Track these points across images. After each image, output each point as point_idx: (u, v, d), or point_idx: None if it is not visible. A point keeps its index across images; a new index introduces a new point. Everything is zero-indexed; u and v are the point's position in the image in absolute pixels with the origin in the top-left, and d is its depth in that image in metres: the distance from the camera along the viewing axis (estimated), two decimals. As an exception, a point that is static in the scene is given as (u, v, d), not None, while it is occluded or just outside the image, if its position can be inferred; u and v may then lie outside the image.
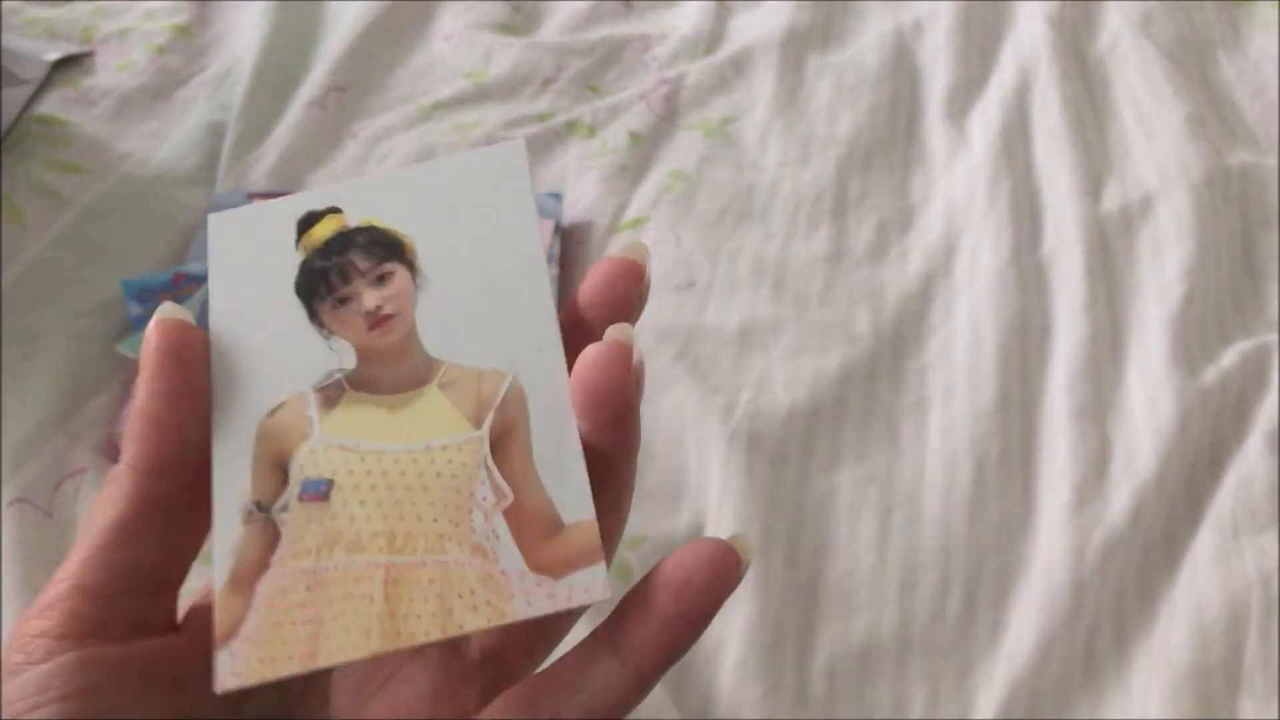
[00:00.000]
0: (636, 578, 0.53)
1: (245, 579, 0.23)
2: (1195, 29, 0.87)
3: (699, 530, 0.55)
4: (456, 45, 0.87)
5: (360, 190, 0.27)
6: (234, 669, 0.22)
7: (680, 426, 0.60)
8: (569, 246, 0.71)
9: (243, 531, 0.23)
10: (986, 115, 0.79)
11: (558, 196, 0.73)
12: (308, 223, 0.27)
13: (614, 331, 0.24)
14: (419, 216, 0.26)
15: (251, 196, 0.72)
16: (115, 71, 0.85)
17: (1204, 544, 0.54)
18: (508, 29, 0.89)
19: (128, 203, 0.73)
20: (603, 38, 0.87)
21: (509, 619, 0.22)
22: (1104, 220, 0.71)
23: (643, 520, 0.56)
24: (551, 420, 0.24)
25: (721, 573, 0.22)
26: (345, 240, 0.26)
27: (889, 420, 0.61)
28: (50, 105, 0.80)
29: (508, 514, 0.23)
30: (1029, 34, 0.85)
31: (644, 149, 0.78)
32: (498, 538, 0.23)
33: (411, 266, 0.26)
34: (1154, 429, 0.58)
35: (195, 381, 0.24)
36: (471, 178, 0.27)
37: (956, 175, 0.75)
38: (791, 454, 0.59)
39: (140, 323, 0.63)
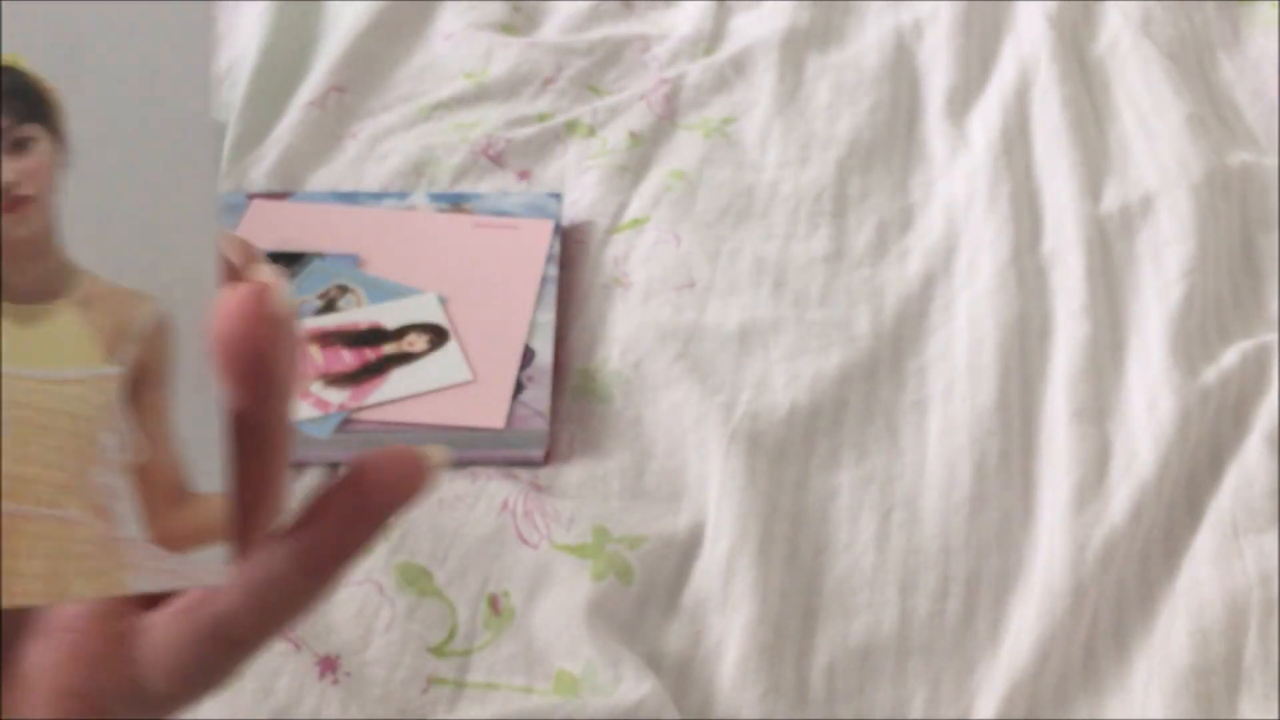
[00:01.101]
0: (637, 578, 0.53)
1: None
2: (1195, 29, 0.87)
3: (699, 530, 0.55)
4: (456, 45, 0.87)
5: (8, 12, 0.20)
6: None
7: (680, 426, 0.60)
8: (569, 246, 0.71)
9: None
10: (986, 115, 0.79)
11: (558, 196, 0.73)
12: None
13: (255, 273, 0.21)
14: (70, 61, 0.20)
15: (251, 197, 0.72)
16: (115, 71, 0.85)
17: (1204, 544, 0.54)
18: (508, 29, 0.89)
19: (128, 203, 0.73)
20: (603, 38, 0.87)
21: (123, 591, 0.20)
22: (1104, 220, 0.71)
23: (642, 520, 0.56)
24: (194, 365, 0.20)
25: (412, 477, 0.21)
26: None
27: (889, 420, 0.61)
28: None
29: (135, 471, 0.20)
30: (1029, 34, 0.85)
31: (644, 149, 0.78)
32: (120, 498, 0.20)
33: (57, 134, 0.20)
34: (1154, 429, 0.58)
35: None
36: (142, 25, 0.21)
37: (956, 175, 0.75)
38: (791, 454, 0.59)
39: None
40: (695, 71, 0.84)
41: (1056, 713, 0.50)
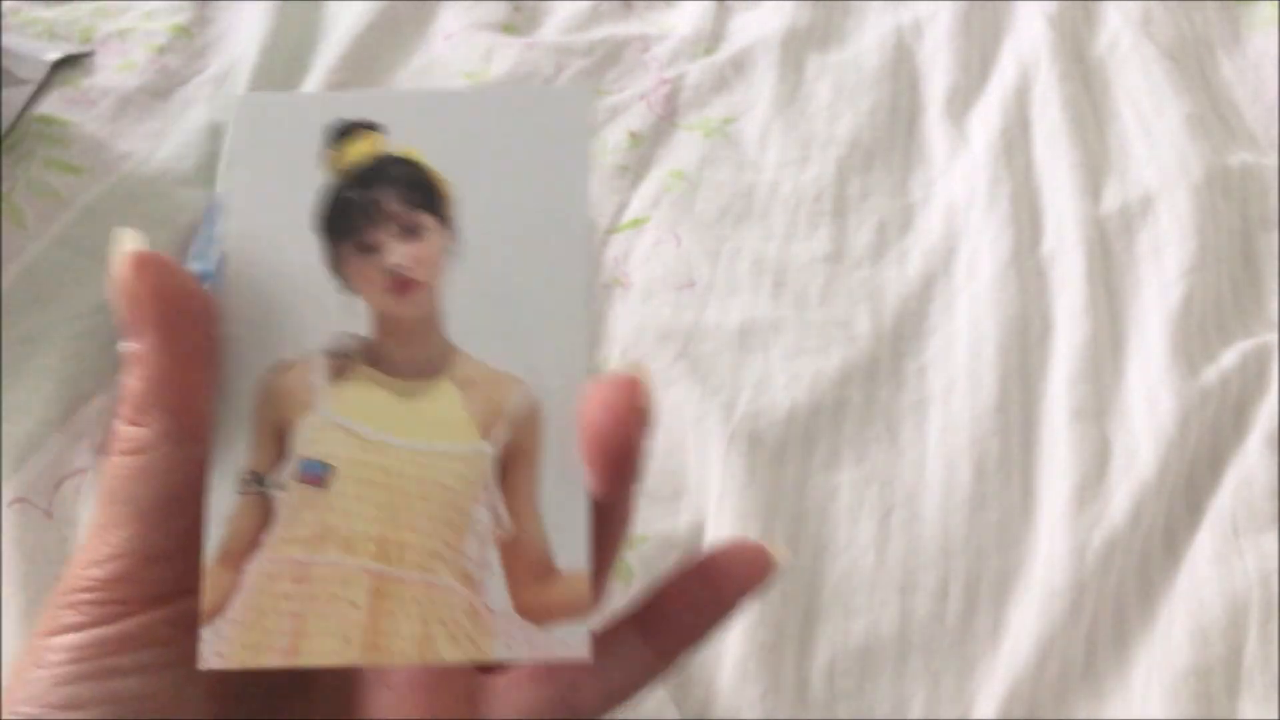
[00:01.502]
0: (636, 578, 0.53)
1: (235, 555, 0.22)
2: (1195, 29, 0.87)
3: (699, 530, 0.55)
4: (456, 45, 0.87)
5: (405, 105, 0.22)
6: (218, 649, 0.22)
7: (680, 426, 0.60)
8: (569, 246, 0.70)
9: (238, 502, 0.22)
10: (986, 115, 0.79)
11: (558, 196, 0.73)
12: (340, 135, 0.23)
13: (627, 367, 0.22)
14: (463, 158, 0.22)
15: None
16: (115, 71, 0.85)
17: (1204, 544, 0.54)
18: (508, 29, 0.89)
19: (128, 203, 0.73)
20: (603, 38, 0.87)
21: (487, 658, 0.21)
22: (1104, 220, 0.71)
23: (642, 520, 0.56)
24: (562, 448, 0.22)
25: (758, 569, 0.23)
26: (380, 170, 0.22)
27: (889, 420, 0.61)
28: (50, 105, 0.80)
29: (503, 545, 0.22)
30: (1029, 34, 0.85)
31: (644, 149, 0.78)
32: (488, 569, 0.22)
33: (448, 224, 0.22)
34: (1154, 429, 0.58)
35: (211, 335, 0.22)
36: (529, 121, 0.22)
37: (956, 175, 0.75)
38: (791, 454, 0.59)
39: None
40: (695, 71, 0.84)
41: (1056, 713, 0.50)
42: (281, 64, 0.85)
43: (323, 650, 0.21)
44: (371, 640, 0.21)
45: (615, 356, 0.64)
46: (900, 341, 0.65)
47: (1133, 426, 0.59)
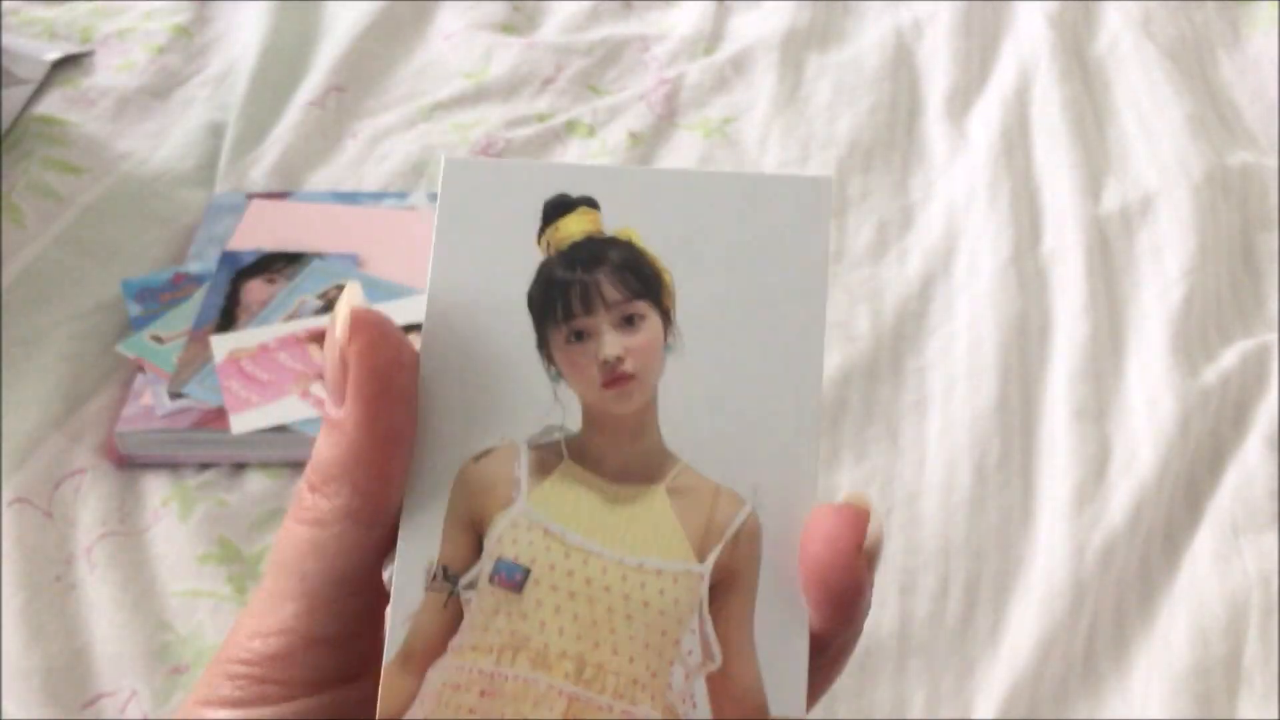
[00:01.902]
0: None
1: (418, 658, 0.20)
2: (1195, 29, 0.87)
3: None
4: (456, 45, 0.87)
5: (626, 183, 0.21)
6: None
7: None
8: (569, 246, 0.71)
9: (424, 599, 0.20)
10: (986, 115, 0.79)
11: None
12: (557, 210, 0.21)
13: (852, 496, 0.20)
14: (686, 246, 0.20)
15: (251, 197, 0.72)
16: (115, 71, 0.85)
17: (1204, 544, 0.54)
18: (508, 29, 0.89)
19: (128, 203, 0.73)
20: (603, 38, 0.87)
21: None
22: (1104, 220, 0.71)
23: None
24: (783, 579, 0.20)
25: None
26: (597, 251, 0.21)
27: (889, 420, 0.61)
28: (50, 105, 0.80)
29: (711, 680, 0.20)
30: (1029, 34, 0.85)
31: (644, 149, 0.78)
32: (694, 704, 0.20)
33: (667, 315, 0.20)
34: (1154, 429, 0.58)
35: (413, 414, 0.20)
36: (761, 209, 0.20)
37: (956, 175, 0.75)
38: (791, 454, 0.59)
39: (140, 323, 0.63)
40: (695, 71, 0.84)
41: (1056, 713, 0.50)
42: (281, 64, 0.85)
43: None
44: None
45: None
46: (900, 341, 0.65)
47: (1133, 426, 0.59)
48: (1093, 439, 0.59)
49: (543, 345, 0.21)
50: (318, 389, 0.59)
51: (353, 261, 0.67)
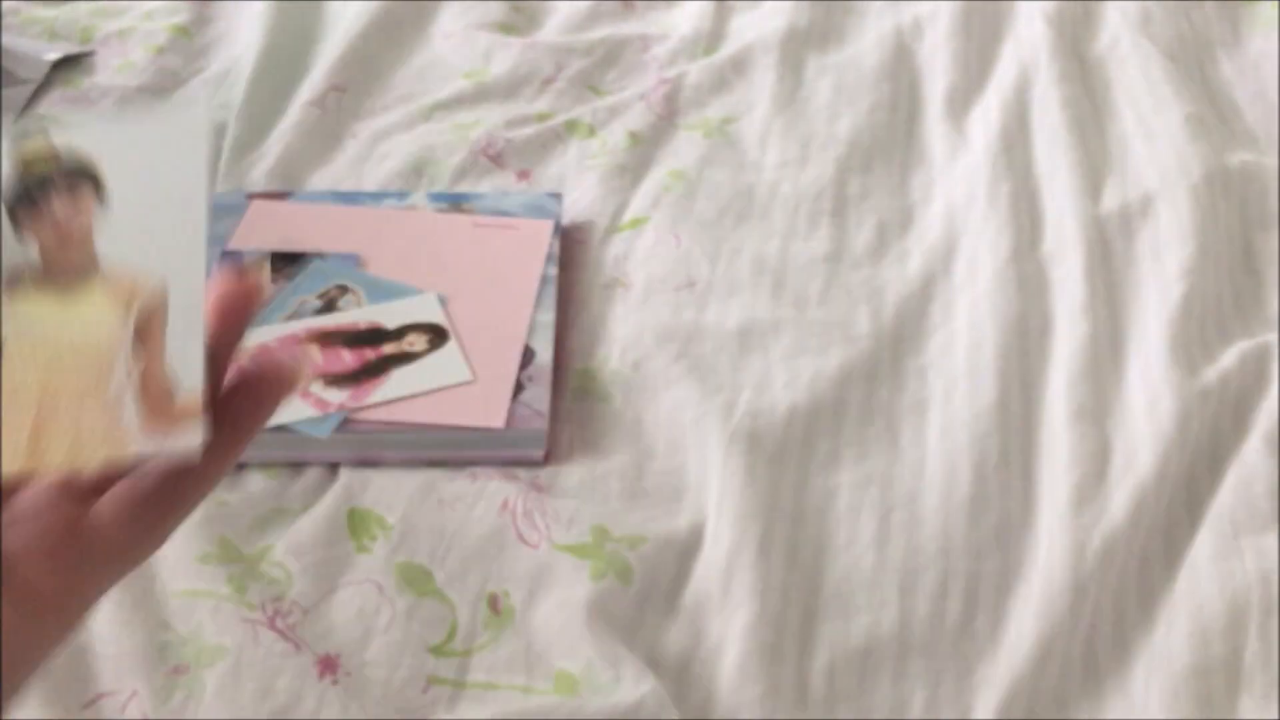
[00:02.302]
0: (637, 578, 0.53)
1: None
2: (1195, 29, 0.87)
3: (699, 530, 0.55)
4: (456, 45, 0.87)
5: (76, 127, 0.32)
6: None
7: (680, 426, 0.60)
8: (569, 246, 0.71)
9: None
10: (986, 115, 0.79)
11: (558, 196, 0.73)
12: (24, 143, 0.33)
13: (244, 269, 0.31)
14: (112, 159, 0.32)
15: (251, 197, 0.72)
16: (115, 71, 0.85)
17: (1204, 544, 0.54)
18: (508, 29, 0.89)
19: (127, 203, 0.73)
20: (603, 38, 0.87)
21: (123, 459, 0.29)
22: (1104, 220, 0.71)
23: (643, 520, 0.56)
24: (185, 315, 0.31)
25: (287, 377, 0.32)
26: (48, 176, 0.32)
27: (889, 420, 0.61)
28: (50, 105, 0.80)
29: (136, 383, 0.30)
30: (1029, 34, 0.85)
31: (644, 149, 0.78)
32: (125, 401, 0.30)
33: (100, 191, 0.32)
34: (1154, 429, 0.58)
35: None
36: (159, 134, 0.33)
37: (956, 175, 0.75)
38: (791, 454, 0.59)
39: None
40: (695, 71, 0.84)
41: (1056, 713, 0.50)
42: (281, 64, 0.85)
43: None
44: (32, 458, 0.29)
45: (615, 357, 0.64)
46: (900, 341, 0.65)
47: (1133, 426, 0.59)
48: (1093, 439, 0.59)
49: (14, 220, 0.31)
50: (318, 389, 0.59)
51: (353, 261, 0.67)
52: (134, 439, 0.30)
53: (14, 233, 0.32)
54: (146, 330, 0.31)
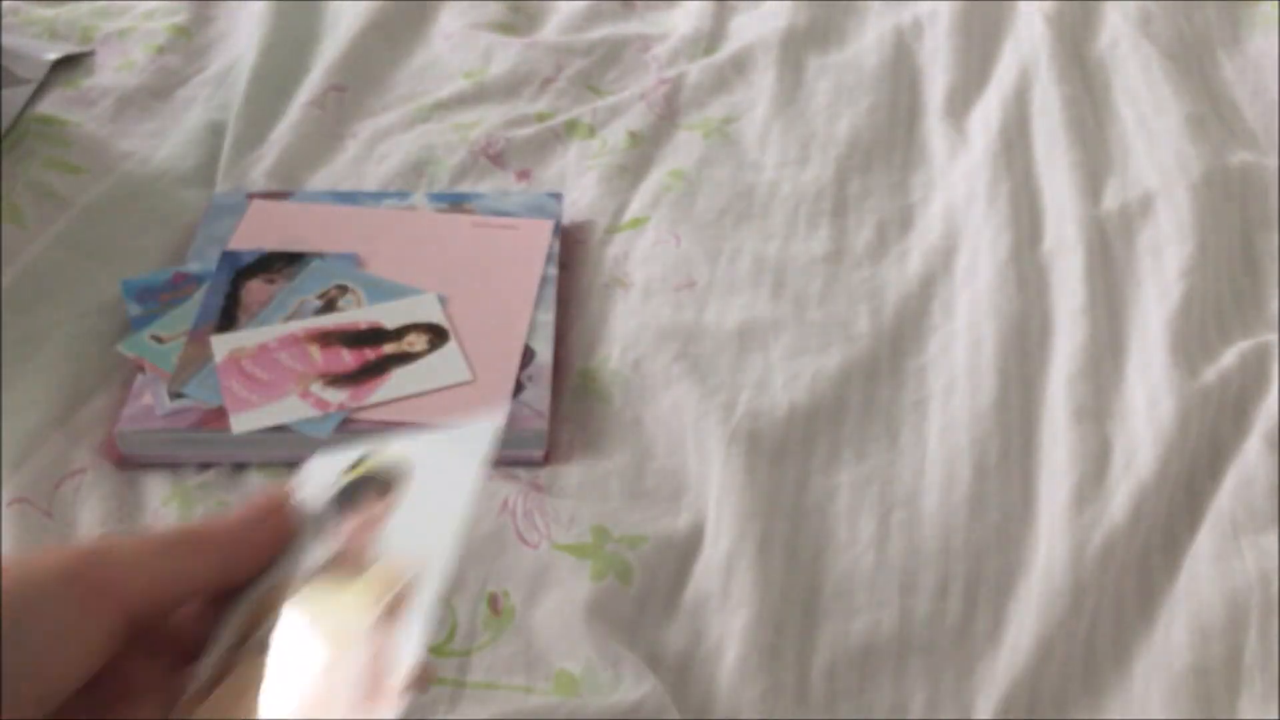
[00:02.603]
0: (637, 578, 0.53)
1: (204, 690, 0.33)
2: (1195, 29, 0.87)
3: (699, 530, 0.55)
4: (456, 45, 0.87)
5: (386, 446, 0.38)
6: None
7: (680, 426, 0.60)
8: (568, 246, 0.71)
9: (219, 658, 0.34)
10: (986, 115, 0.79)
11: (558, 196, 0.73)
12: (351, 464, 0.38)
13: None
14: (410, 470, 0.36)
15: (251, 197, 0.72)
16: (115, 71, 0.85)
17: (1204, 544, 0.54)
18: (508, 29, 0.89)
19: (128, 203, 0.73)
20: (603, 38, 0.87)
21: None
22: (1104, 220, 0.71)
23: (642, 520, 0.56)
24: (426, 601, 0.32)
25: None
26: (363, 481, 0.37)
27: (889, 420, 0.61)
28: (50, 105, 0.80)
29: (366, 659, 0.32)
30: (1029, 34, 0.85)
31: (644, 149, 0.78)
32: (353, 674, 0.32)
33: (392, 502, 0.35)
34: (1154, 429, 0.58)
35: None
36: (449, 450, 0.37)
37: (956, 175, 0.75)
38: (791, 454, 0.59)
39: (140, 323, 0.63)
40: (695, 71, 0.84)
41: (1056, 713, 0.50)
42: (281, 64, 0.85)
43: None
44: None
45: (615, 357, 0.64)
46: (900, 341, 0.65)
47: (1133, 426, 0.59)
48: (1093, 439, 0.59)
49: (328, 521, 0.37)
50: (318, 388, 0.59)
51: (353, 261, 0.67)
52: (343, 708, 0.31)
53: (325, 529, 0.36)
54: (390, 613, 0.32)
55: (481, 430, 0.36)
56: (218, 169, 0.76)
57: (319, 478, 0.38)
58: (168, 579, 0.33)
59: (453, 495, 0.35)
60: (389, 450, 0.37)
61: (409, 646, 0.31)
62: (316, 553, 0.35)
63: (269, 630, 0.33)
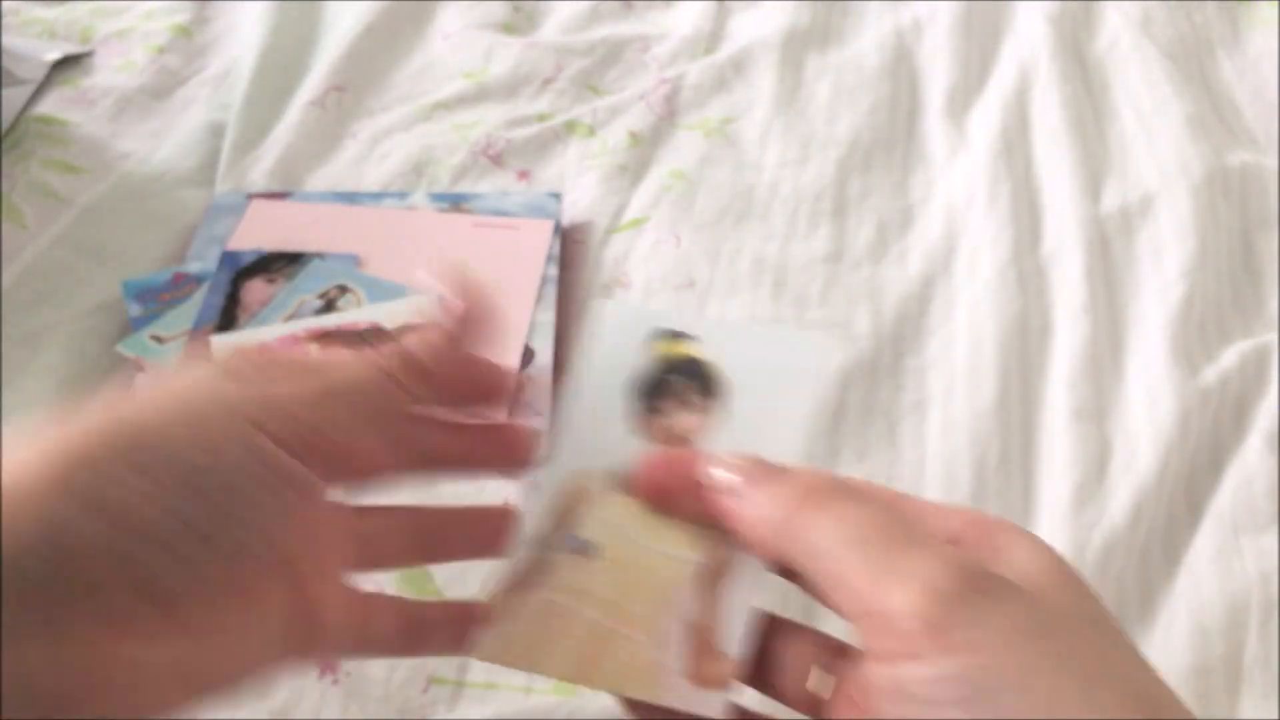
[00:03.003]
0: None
1: (518, 588, 0.31)
2: (1195, 29, 0.87)
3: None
4: (456, 45, 0.87)
5: (715, 329, 0.33)
6: (486, 649, 0.30)
7: (680, 426, 0.60)
8: (569, 246, 0.71)
9: (525, 555, 0.31)
10: (986, 115, 0.79)
11: (558, 196, 0.73)
12: (665, 335, 0.33)
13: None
14: (742, 368, 0.33)
15: (251, 197, 0.72)
16: (115, 71, 0.85)
17: (1204, 544, 0.54)
18: (508, 29, 0.89)
19: (128, 203, 0.73)
20: (603, 38, 0.87)
21: (658, 701, 0.29)
22: (1104, 220, 0.71)
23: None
24: (748, 571, 0.30)
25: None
26: (685, 364, 0.33)
27: (889, 420, 0.61)
28: (50, 105, 0.80)
29: (690, 626, 0.30)
30: (1029, 34, 0.85)
31: (644, 149, 0.78)
32: (676, 640, 0.29)
33: (720, 408, 0.32)
34: (1154, 429, 0.58)
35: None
36: (790, 352, 0.33)
37: (956, 175, 0.75)
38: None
39: (140, 323, 0.63)
40: (695, 71, 0.84)
41: (1056, 713, 0.50)
42: (281, 64, 0.85)
43: (551, 667, 0.29)
44: (582, 671, 0.29)
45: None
46: (900, 341, 0.65)
47: (1133, 426, 0.59)
48: (1093, 439, 0.59)
49: (633, 413, 0.32)
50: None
51: (353, 261, 0.67)
52: (670, 688, 0.29)
53: (627, 425, 0.32)
54: (710, 583, 0.30)
55: (823, 345, 0.33)
56: (218, 169, 0.76)
57: (620, 333, 0.33)
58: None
59: (788, 418, 0.31)
60: (714, 334, 0.33)
61: (731, 636, 0.29)
62: (621, 444, 0.31)
63: (585, 531, 0.31)
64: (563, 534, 0.31)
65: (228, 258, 0.67)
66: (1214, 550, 0.54)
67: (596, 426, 0.32)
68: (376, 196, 0.73)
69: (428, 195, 0.73)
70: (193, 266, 0.67)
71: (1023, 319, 0.65)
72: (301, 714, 0.48)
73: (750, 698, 0.31)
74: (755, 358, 0.32)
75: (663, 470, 0.31)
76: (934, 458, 0.59)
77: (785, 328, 0.35)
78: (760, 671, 0.30)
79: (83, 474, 0.24)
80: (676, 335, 0.33)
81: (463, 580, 0.53)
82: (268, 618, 0.26)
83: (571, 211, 0.73)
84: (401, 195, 0.73)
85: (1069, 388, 0.61)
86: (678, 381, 0.32)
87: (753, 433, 0.31)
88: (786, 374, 0.32)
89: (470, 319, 0.31)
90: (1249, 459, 0.57)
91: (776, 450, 0.30)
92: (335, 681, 0.49)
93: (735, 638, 0.29)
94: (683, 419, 0.32)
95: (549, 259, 0.68)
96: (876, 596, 0.25)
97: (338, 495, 0.29)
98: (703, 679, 0.29)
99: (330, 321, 0.63)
